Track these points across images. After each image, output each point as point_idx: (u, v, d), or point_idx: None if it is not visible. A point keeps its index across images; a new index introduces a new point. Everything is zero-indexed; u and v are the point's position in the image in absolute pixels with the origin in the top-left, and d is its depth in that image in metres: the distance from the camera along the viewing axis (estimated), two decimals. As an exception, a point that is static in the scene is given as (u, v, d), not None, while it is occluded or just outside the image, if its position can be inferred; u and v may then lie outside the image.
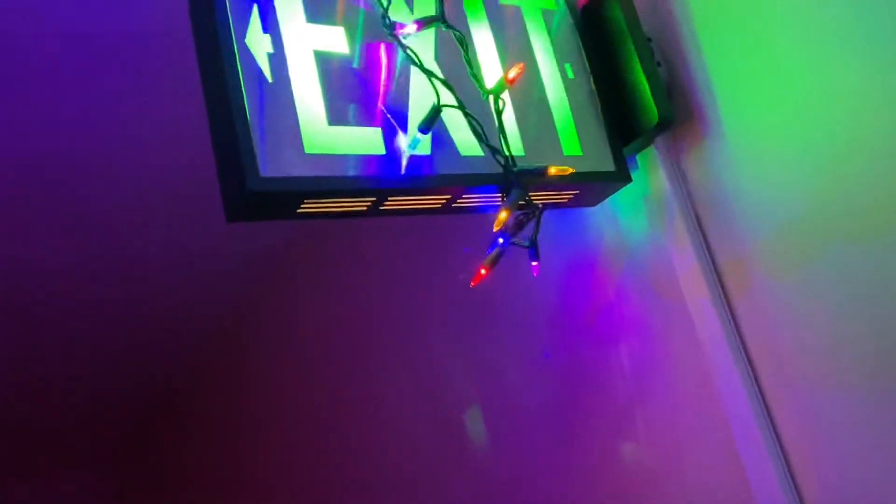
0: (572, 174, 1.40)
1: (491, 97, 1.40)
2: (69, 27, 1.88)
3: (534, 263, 1.52)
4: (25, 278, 2.71)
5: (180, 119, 2.16)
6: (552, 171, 1.37)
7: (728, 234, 1.55)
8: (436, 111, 1.33)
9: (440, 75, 1.38)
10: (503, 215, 1.39)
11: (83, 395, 3.58)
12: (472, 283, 1.52)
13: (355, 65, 1.34)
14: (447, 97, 1.35)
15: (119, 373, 3.49)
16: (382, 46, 1.38)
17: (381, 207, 1.36)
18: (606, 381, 1.89)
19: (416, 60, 1.34)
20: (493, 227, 1.41)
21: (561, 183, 1.48)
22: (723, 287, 1.56)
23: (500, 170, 1.40)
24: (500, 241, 1.47)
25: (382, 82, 1.36)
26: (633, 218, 1.76)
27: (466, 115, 1.35)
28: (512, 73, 1.37)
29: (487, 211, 1.49)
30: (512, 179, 1.38)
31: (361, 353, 2.63)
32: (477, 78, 1.41)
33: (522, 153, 1.45)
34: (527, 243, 1.47)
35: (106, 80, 2.04)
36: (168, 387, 3.68)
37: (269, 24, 1.27)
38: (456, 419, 2.30)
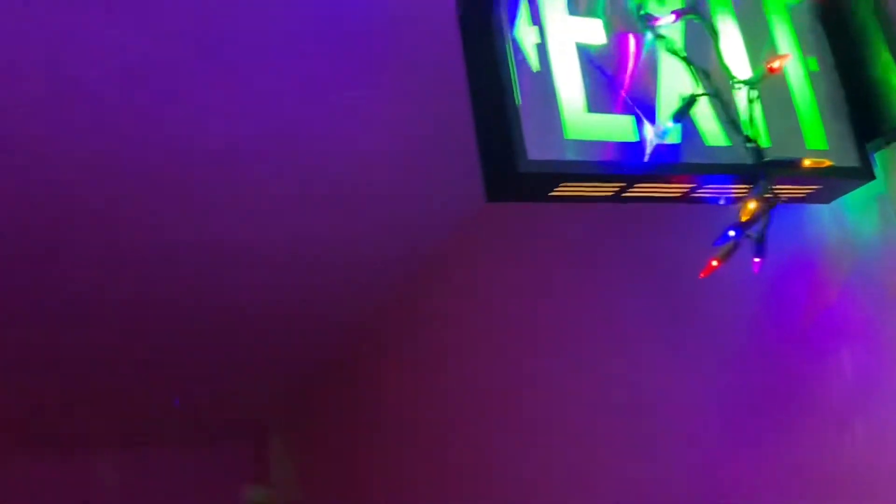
0: (823, 168, 1.39)
1: (745, 87, 1.41)
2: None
3: (756, 260, 1.52)
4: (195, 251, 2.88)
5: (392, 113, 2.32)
6: (807, 163, 1.37)
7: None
8: (691, 100, 1.36)
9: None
10: (752, 206, 1.40)
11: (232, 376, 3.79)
12: (702, 275, 1.54)
13: (611, 55, 1.40)
14: (700, 87, 1.38)
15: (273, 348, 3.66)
16: (632, 37, 1.43)
17: (626, 194, 1.41)
18: (821, 389, 1.83)
19: (677, 50, 1.37)
20: (739, 217, 1.42)
21: (805, 177, 1.48)
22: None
23: (746, 161, 1.42)
24: (732, 233, 1.48)
25: (633, 72, 1.41)
26: (863, 218, 1.71)
27: (724, 104, 1.38)
28: (776, 63, 1.38)
29: (726, 203, 1.51)
30: (761, 170, 1.39)
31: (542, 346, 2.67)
32: (727, 68, 1.43)
33: (768, 144, 1.46)
34: (756, 238, 1.48)
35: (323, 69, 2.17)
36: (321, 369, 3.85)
37: (536, 16, 1.35)
38: (641, 424, 2.28)
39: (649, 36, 1.41)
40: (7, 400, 3.62)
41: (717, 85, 1.39)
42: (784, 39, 1.57)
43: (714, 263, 1.50)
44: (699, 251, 1.82)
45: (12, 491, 4.20)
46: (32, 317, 3.08)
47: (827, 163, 1.38)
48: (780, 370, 1.92)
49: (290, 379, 4.04)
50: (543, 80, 1.33)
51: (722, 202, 1.51)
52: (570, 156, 1.31)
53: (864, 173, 1.55)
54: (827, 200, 1.65)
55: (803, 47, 1.58)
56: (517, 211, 2.67)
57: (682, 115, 1.36)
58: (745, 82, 1.41)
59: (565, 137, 1.32)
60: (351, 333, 3.63)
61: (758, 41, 1.54)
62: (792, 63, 1.56)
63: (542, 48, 1.35)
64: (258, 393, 4.15)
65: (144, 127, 2.26)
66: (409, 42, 2.04)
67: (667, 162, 1.37)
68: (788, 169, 1.39)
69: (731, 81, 1.43)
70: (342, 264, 3.07)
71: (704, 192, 1.47)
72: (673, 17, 1.40)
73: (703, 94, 1.37)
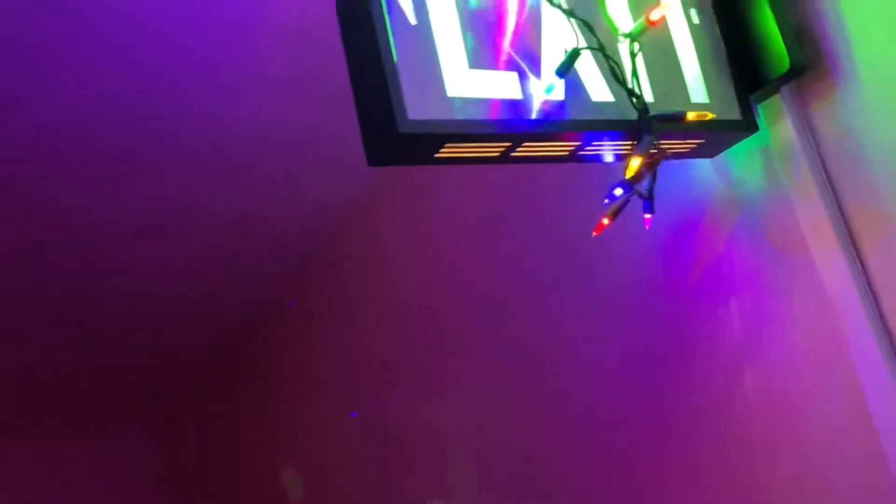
0: (706, 121, 1.41)
1: (627, 40, 1.41)
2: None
3: (647, 216, 1.54)
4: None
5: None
6: (690, 116, 1.39)
7: (860, 185, 1.55)
8: (575, 54, 1.34)
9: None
10: (636, 162, 1.41)
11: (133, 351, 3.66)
12: (595, 233, 1.55)
13: (491, 8, 1.36)
14: (583, 40, 1.37)
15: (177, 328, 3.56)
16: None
17: (513, 154, 1.39)
18: (714, 338, 1.90)
19: (559, 3, 1.35)
20: (625, 174, 1.43)
21: (689, 131, 1.50)
22: (853, 238, 1.56)
23: (631, 116, 1.42)
24: (619, 191, 1.50)
25: (515, 25, 1.38)
26: (747, 170, 1.76)
27: (606, 57, 1.37)
28: (655, 15, 1.38)
29: (614, 160, 1.51)
30: (646, 125, 1.40)
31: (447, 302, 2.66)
32: (610, 21, 1.42)
33: (652, 99, 1.47)
34: (645, 194, 1.50)
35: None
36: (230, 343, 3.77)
37: (411, -34, 1.30)
38: (542, 378, 2.32)
39: (530, -11, 1.39)
40: None
41: (600, 38, 1.38)
42: (667, -7, 1.57)
43: (605, 221, 1.51)
44: (589, 210, 1.85)
45: None
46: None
47: (710, 115, 1.40)
48: (674, 324, 1.98)
49: (194, 361, 3.91)
50: (422, 35, 1.28)
51: (608, 160, 1.52)
52: (453, 115, 1.27)
53: (746, 125, 1.59)
54: (711, 154, 1.68)
55: (684, 1, 1.59)
56: (406, 180, 2.65)
57: (566, 69, 1.35)
58: (627, 35, 1.41)
59: (447, 95, 1.28)
60: (252, 313, 3.54)
61: (642, -3, 1.54)
62: (673, 15, 1.57)
63: (419, 2, 1.30)
64: (162, 374, 4.00)
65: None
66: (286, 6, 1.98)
67: (553, 119, 1.36)
68: (672, 123, 1.40)
69: (614, 35, 1.42)
70: (239, 239, 2.98)
71: (591, 150, 1.47)
72: (553, -33, 1.37)
73: (586, 48, 1.36)
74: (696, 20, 1.59)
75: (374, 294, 2.93)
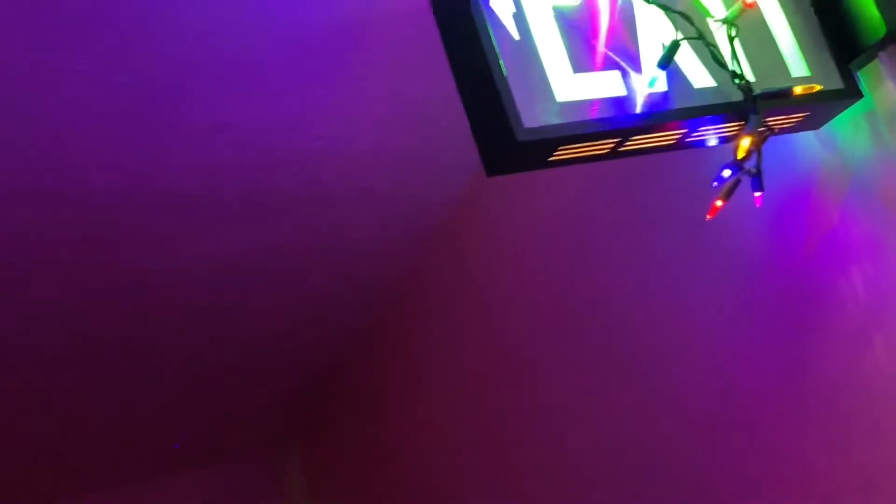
0: (814, 93, 1.46)
1: (723, 25, 1.47)
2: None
3: (757, 194, 1.58)
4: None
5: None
6: (797, 90, 1.43)
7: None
8: (674, 45, 1.41)
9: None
10: (745, 142, 1.46)
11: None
12: (709, 216, 1.61)
13: (586, 13, 1.45)
14: (681, 30, 1.44)
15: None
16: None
17: (622, 148, 1.47)
18: (835, 309, 1.91)
19: (650, -3, 1.42)
20: (735, 155, 1.48)
21: (794, 105, 1.54)
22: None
23: (735, 98, 1.47)
24: (728, 172, 1.55)
25: (611, 26, 1.46)
26: (854, 138, 1.77)
27: (707, 45, 1.43)
28: (752, -1, 1.44)
29: (718, 143, 1.57)
30: (751, 105, 1.45)
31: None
32: (703, 8, 1.49)
33: (753, 79, 1.52)
34: (754, 172, 1.54)
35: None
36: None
37: (507, -15, 1.40)
38: (658, 370, 2.35)
39: (622, -14, 1.46)
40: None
41: (696, 26, 1.45)
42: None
43: (718, 203, 1.56)
44: (698, 195, 1.89)
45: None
46: (28, 352, 3.08)
47: (817, 87, 1.45)
48: (794, 297, 2.00)
49: (300, 392, 4.07)
50: (525, 48, 1.37)
51: (714, 143, 1.58)
52: (565, 118, 1.36)
53: (850, 93, 1.62)
54: (817, 126, 1.71)
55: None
56: (502, 188, 2.73)
57: (667, 61, 1.41)
58: (723, 20, 1.47)
59: (556, 101, 1.36)
60: (356, 337, 3.66)
61: (728, -22, 1.59)
62: (764, -6, 1.62)
63: (519, 16, 1.39)
64: (268, 409, 4.17)
65: (131, 136, 2.27)
66: (383, 28, 2.09)
67: (658, 110, 1.43)
68: (779, 99, 1.45)
69: (709, 21, 1.48)
70: (339, 267, 3.11)
71: (697, 136, 1.53)
72: (642, -37, 1.44)
73: (684, 39, 1.42)
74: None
75: (485, 290, 3.00)
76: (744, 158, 1.48)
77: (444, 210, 2.94)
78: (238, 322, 3.31)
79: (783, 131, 1.64)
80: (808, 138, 1.81)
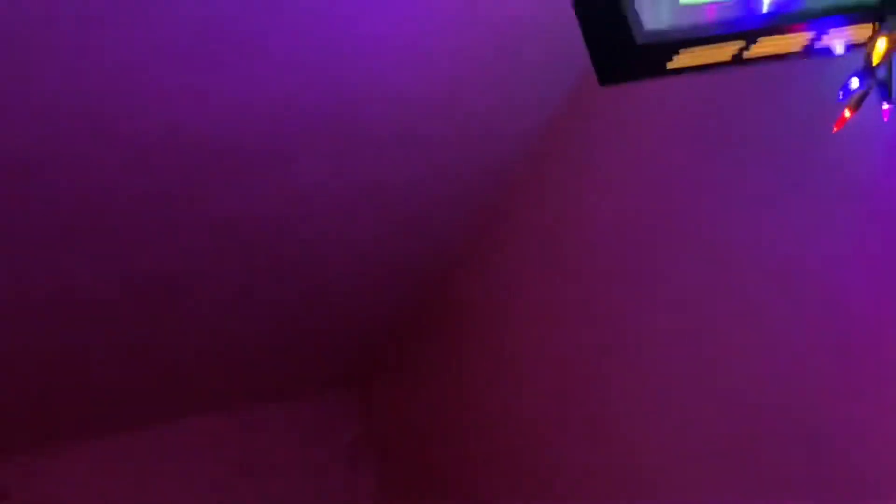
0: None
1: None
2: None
3: (886, 106, 1.48)
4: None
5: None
6: (946, -16, 1.32)
7: None
8: (809, -62, 1.31)
9: None
10: (882, 44, 1.36)
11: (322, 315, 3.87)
12: (836, 128, 1.52)
13: None
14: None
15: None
16: None
17: (745, 54, 1.39)
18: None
19: None
20: (868, 62, 1.39)
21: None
22: None
23: (871, -4, 1.37)
24: (856, 82, 1.45)
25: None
26: None
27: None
28: None
29: (846, 51, 1.47)
30: (891, 3, 1.35)
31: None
32: None
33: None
34: (883, 80, 1.44)
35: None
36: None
37: None
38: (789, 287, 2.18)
39: None
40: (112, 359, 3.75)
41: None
42: None
43: (847, 114, 1.47)
44: (818, 108, 1.78)
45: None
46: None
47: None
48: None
49: (385, 328, 4.13)
50: (646, -55, 1.30)
51: (841, 51, 1.47)
52: (686, 20, 1.29)
53: None
54: (959, 29, 1.58)
55: None
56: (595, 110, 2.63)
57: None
58: None
59: (678, 2, 1.30)
60: (439, 275, 3.67)
61: None
62: None
63: None
64: (354, 343, 4.26)
65: (189, 92, 2.31)
66: None
67: (787, 10, 1.34)
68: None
69: None
70: (416, 205, 3.12)
71: (827, 40, 1.43)
72: None
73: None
74: None
75: (567, 237, 2.94)
76: (879, 64, 1.38)
77: (532, 137, 2.89)
78: (324, 257, 3.37)
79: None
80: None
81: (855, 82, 1.45)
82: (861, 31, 1.43)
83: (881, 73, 1.44)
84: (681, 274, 2.45)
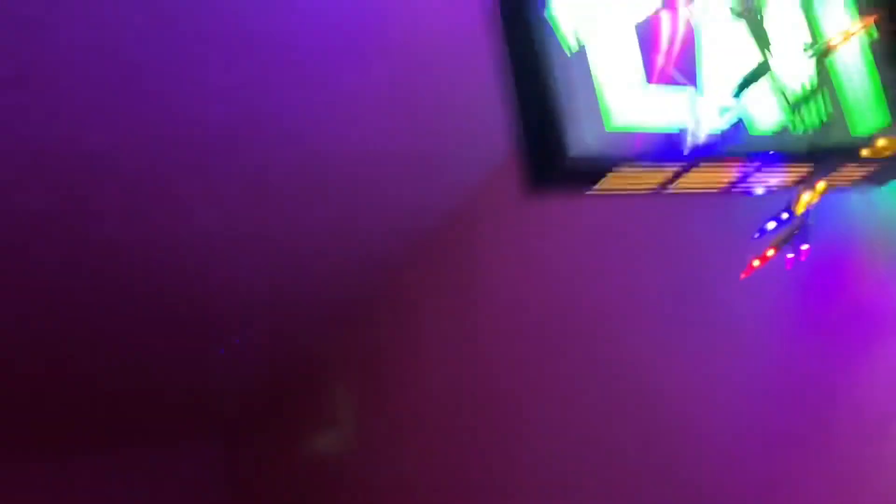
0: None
1: (805, 59, 1.32)
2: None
3: (803, 248, 1.46)
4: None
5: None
6: (881, 143, 1.29)
7: None
8: (754, 76, 1.27)
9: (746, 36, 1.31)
10: (807, 196, 1.32)
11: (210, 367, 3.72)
12: (743, 275, 1.48)
13: (653, 30, 1.30)
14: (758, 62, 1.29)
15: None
16: (673, 6, 1.32)
17: (670, 186, 1.33)
18: (859, 387, 1.78)
19: (741, 12, 1.27)
20: (794, 209, 1.34)
21: (863, 159, 1.40)
22: None
23: (804, 144, 1.33)
24: (773, 224, 1.42)
25: (678, 46, 1.31)
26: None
27: (783, 84, 1.29)
28: (840, 39, 1.29)
29: (766, 192, 1.43)
30: (821, 155, 1.31)
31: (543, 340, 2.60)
32: (782, 37, 1.34)
33: (827, 123, 1.37)
34: (799, 227, 1.42)
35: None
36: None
37: (570, -10, 1.24)
38: (671, 426, 2.20)
39: (693, 4, 1.31)
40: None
41: (775, 57, 1.30)
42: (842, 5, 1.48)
43: (769, 253, 1.43)
44: (728, 239, 1.75)
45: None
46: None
47: (905, 141, 1.30)
48: (815, 365, 1.86)
49: (263, 379, 3.96)
50: (583, 63, 1.23)
51: (762, 192, 1.44)
52: (618, 145, 1.22)
53: (927, 152, 1.47)
54: (882, 183, 1.57)
55: (857, 11, 1.49)
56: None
57: (742, 92, 1.27)
58: (810, 57, 1.32)
59: (611, 124, 1.22)
60: (324, 332, 3.55)
61: (815, 8, 1.44)
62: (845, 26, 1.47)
63: (580, 28, 1.24)
64: (230, 393, 4.06)
65: (132, 114, 2.15)
66: (401, 35, 1.96)
67: (721, 148, 1.28)
68: (858, 153, 1.31)
69: (787, 57, 1.34)
70: (323, 256, 2.99)
71: (753, 181, 1.39)
72: (724, -19, 1.29)
73: (762, 72, 1.28)
74: (868, 34, 1.49)
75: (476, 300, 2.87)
76: (803, 214, 1.34)
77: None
78: (208, 307, 3.19)
79: (843, 185, 1.51)
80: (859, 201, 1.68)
81: (772, 225, 1.43)
82: (784, 176, 1.39)
83: (802, 221, 1.42)
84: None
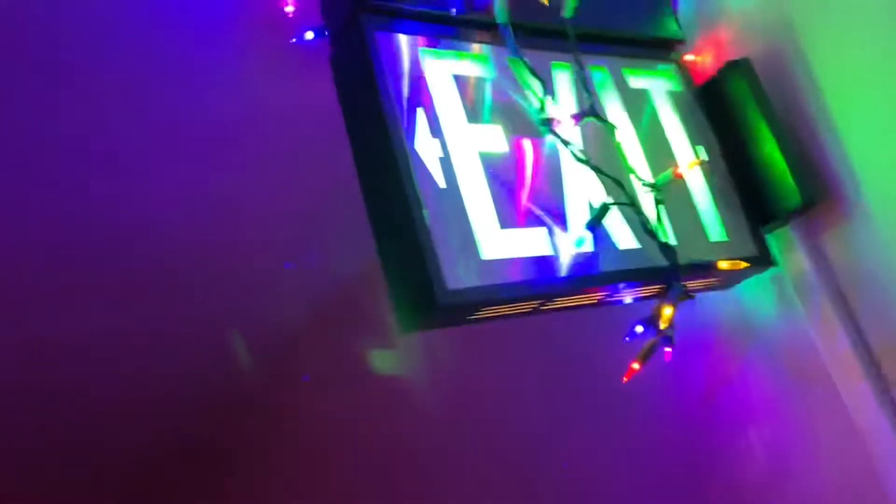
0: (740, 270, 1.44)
1: (651, 190, 1.44)
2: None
3: (667, 349, 1.55)
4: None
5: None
6: (723, 265, 1.41)
7: (882, 316, 1.59)
8: (605, 209, 1.36)
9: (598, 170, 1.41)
10: (669, 312, 1.41)
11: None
12: (625, 379, 1.54)
13: (513, 164, 1.37)
14: (611, 193, 1.39)
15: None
16: (530, 143, 1.41)
17: (544, 307, 1.39)
18: (734, 468, 1.89)
19: (584, 158, 1.37)
20: (655, 323, 1.43)
21: (712, 272, 1.52)
22: (880, 371, 1.59)
23: (658, 262, 1.43)
24: (640, 328, 1.51)
25: (539, 181, 1.39)
26: (759, 298, 1.79)
27: (638, 212, 1.39)
28: (684, 169, 1.41)
29: (633, 301, 1.52)
30: (676, 273, 1.41)
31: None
32: (632, 170, 1.45)
33: (675, 242, 1.49)
34: (667, 332, 1.50)
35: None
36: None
37: (436, 127, 1.31)
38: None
39: (551, 140, 1.41)
40: None
41: (627, 191, 1.40)
42: (672, 129, 1.62)
43: (635, 366, 1.50)
44: (604, 341, 1.83)
45: None
46: None
47: (743, 265, 1.43)
48: (692, 454, 1.96)
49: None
50: (452, 199, 1.28)
51: (631, 301, 1.53)
52: (489, 279, 1.26)
53: (763, 260, 1.62)
54: (728, 287, 1.71)
55: (690, 136, 1.64)
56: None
57: (596, 223, 1.36)
58: (652, 186, 1.44)
59: (481, 259, 1.26)
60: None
61: (649, 134, 1.58)
62: (683, 154, 1.62)
63: (445, 162, 1.30)
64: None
65: None
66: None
67: (585, 273, 1.36)
68: (703, 271, 1.42)
69: (639, 184, 1.45)
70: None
71: (618, 297, 1.47)
72: (573, 121, 1.40)
73: (615, 203, 1.38)
74: (704, 157, 1.64)
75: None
76: (667, 327, 1.43)
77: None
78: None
79: (699, 289, 1.62)
80: (713, 294, 1.81)
81: (639, 328, 1.50)
82: (651, 289, 1.49)
83: (665, 329, 1.50)
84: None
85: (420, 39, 1.38)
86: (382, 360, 2.57)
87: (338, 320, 2.73)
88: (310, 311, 2.75)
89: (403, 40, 1.35)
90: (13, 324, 2.43)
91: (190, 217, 2.36)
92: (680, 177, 1.44)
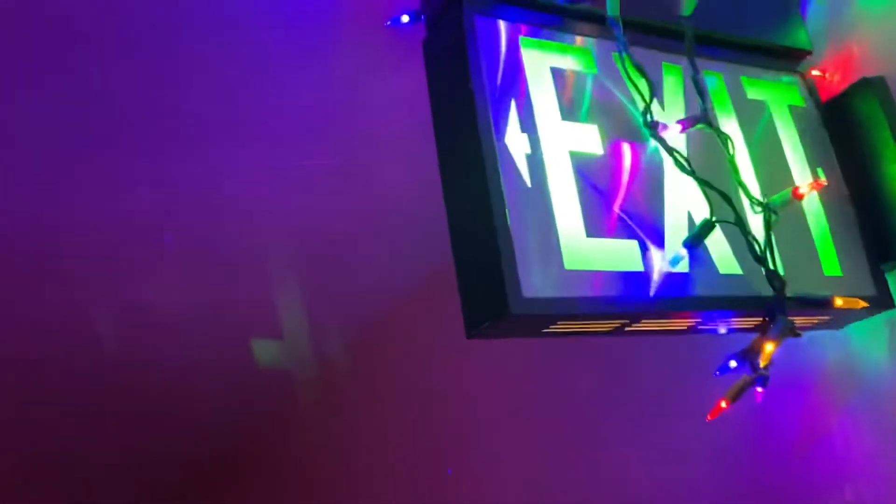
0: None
1: (763, 210, 1.29)
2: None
3: (759, 389, 1.40)
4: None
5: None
6: (839, 302, 1.25)
7: None
8: (709, 226, 1.23)
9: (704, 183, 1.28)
10: (770, 348, 1.27)
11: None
12: (710, 417, 1.41)
13: (608, 168, 1.26)
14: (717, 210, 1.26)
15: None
16: (629, 147, 1.29)
17: (628, 328, 1.26)
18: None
19: (690, 169, 1.24)
20: (757, 360, 1.29)
21: (822, 309, 1.37)
22: None
23: (762, 292, 1.29)
24: (734, 363, 1.36)
25: (635, 189, 1.27)
26: (868, 342, 1.61)
27: (746, 234, 1.25)
28: (805, 189, 1.27)
29: (728, 332, 1.38)
30: (781, 305, 1.27)
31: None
32: (743, 186, 1.31)
33: (783, 272, 1.34)
34: (763, 371, 1.36)
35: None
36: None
37: (528, 122, 1.21)
38: None
39: (653, 146, 1.28)
40: None
41: (734, 207, 1.27)
42: (790, 147, 1.47)
43: (723, 405, 1.36)
44: (696, 377, 1.69)
45: None
46: None
47: (861, 304, 1.27)
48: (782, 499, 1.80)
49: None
50: (538, 199, 1.17)
51: (724, 331, 1.39)
52: (569, 291, 1.15)
53: (881, 301, 1.45)
54: (838, 327, 1.54)
55: (810, 156, 1.48)
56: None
57: (697, 241, 1.23)
58: (765, 206, 1.29)
59: (564, 268, 1.16)
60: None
61: (764, 150, 1.43)
62: (800, 175, 1.46)
63: (533, 159, 1.19)
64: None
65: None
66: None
67: (678, 296, 1.23)
68: (814, 307, 1.27)
69: (748, 203, 1.31)
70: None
71: (712, 325, 1.34)
72: (679, 126, 1.27)
73: (720, 221, 1.24)
74: (824, 180, 1.48)
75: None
76: (765, 365, 1.28)
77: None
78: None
79: (802, 329, 1.47)
80: (816, 332, 1.65)
81: (733, 363, 1.36)
82: (751, 321, 1.35)
83: (763, 367, 1.36)
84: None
85: (521, 27, 1.28)
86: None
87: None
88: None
89: (503, 27, 1.26)
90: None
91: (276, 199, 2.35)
92: (801, 198, 1.29)
